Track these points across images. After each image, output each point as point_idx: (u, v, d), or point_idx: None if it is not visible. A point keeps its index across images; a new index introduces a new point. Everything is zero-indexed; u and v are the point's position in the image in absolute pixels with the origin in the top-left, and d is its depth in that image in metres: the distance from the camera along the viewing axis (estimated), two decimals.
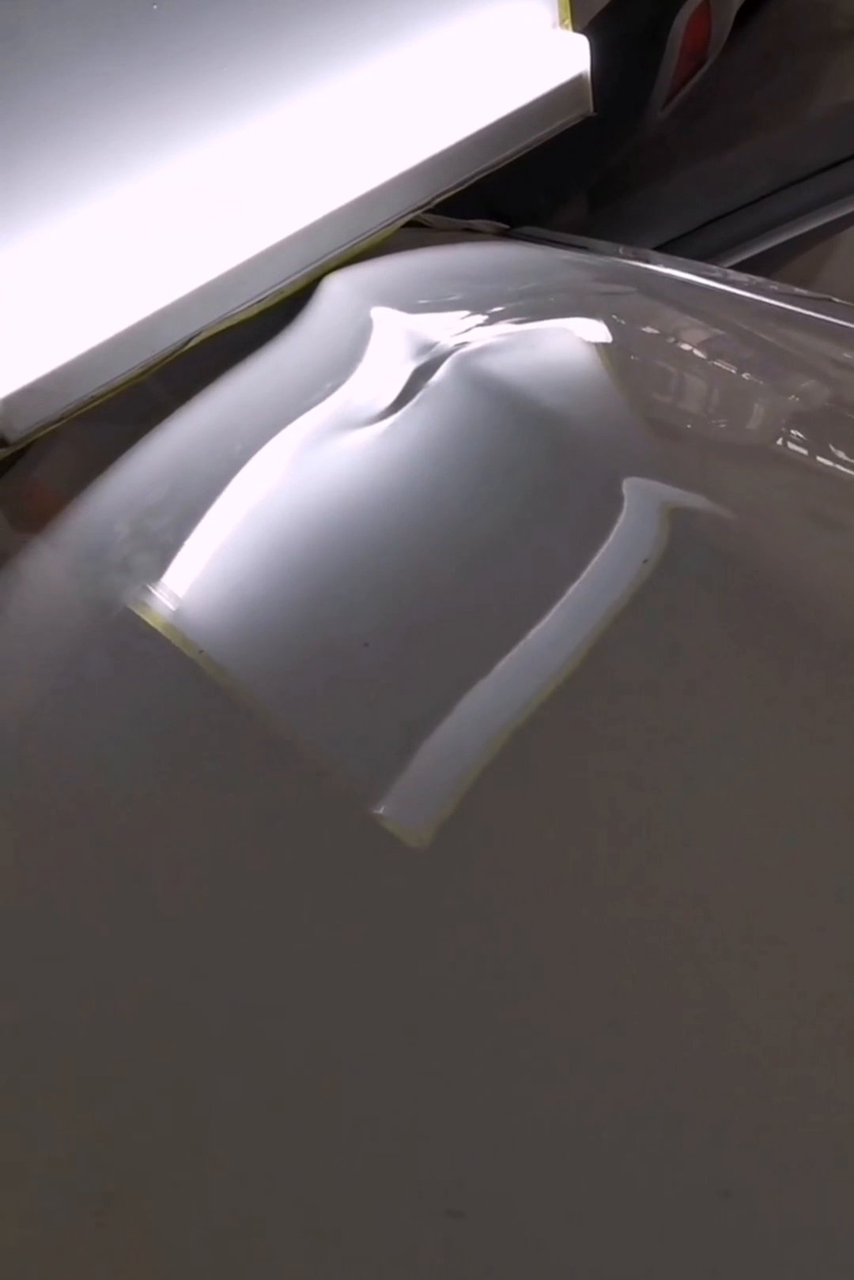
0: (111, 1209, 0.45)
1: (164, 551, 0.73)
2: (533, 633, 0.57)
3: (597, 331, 0.83)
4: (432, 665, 0.59)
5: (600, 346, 0.82)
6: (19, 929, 0.57)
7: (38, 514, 0.83)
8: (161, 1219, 0.44)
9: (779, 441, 0.72)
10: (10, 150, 0.75)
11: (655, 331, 0.87)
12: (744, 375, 0.78)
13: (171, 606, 0.67)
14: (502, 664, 0.56)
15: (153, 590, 0.69)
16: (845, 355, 0.82)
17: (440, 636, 0.60)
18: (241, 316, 0.89)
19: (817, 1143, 0.40)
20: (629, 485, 0.63)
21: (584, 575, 0.59)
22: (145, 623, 0.67)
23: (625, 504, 0.62)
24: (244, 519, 0.72)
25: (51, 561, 0.78)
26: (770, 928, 0.45)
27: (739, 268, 1.41)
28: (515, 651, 0.57)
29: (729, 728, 0.52)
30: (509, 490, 0.67)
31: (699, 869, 0.47)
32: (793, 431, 0.71)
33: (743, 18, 1.50)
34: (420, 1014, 0.46)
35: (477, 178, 0.98)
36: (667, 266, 0.96)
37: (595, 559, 0.59)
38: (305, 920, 0.51)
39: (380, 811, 0.52)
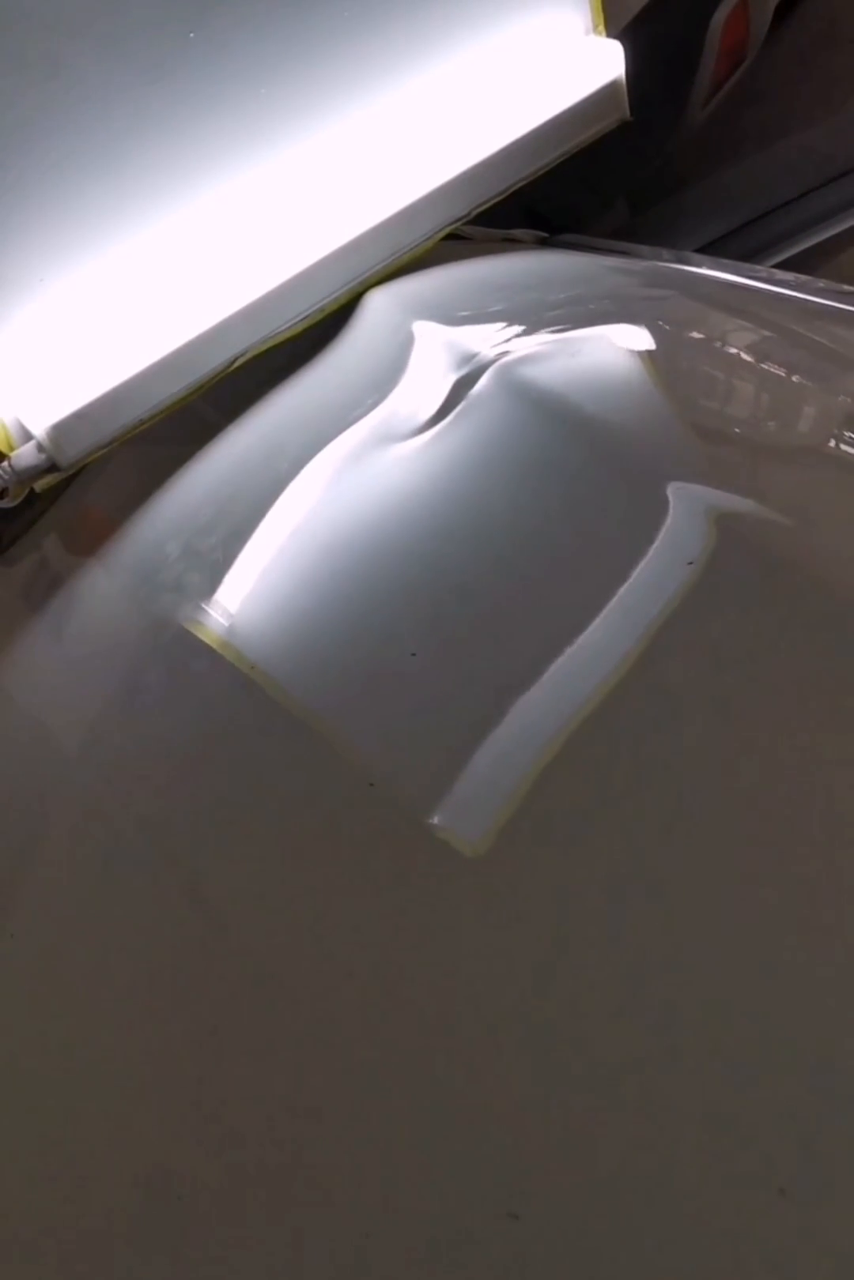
0: (173, 1205, 0.46)
1: (214, 570, 0.74)
2: (578, 638, 0.57)
3: (638, 337, 0.83)
4: (478, 672, 0.59)
5: (642, 352, 0.82)
6: (81, 935, 0.58)
7: (92, 537, 0.85)
8: (225, 1214, 0.45)
9: (830, 442, 0.71)
10: (57, 181, 0.77)
11: (699, 335, 0.87)
12: (791, 376, 0.78)
13: (223, 624, 0.68)
14: (548, 670, 0.56)
15: (204, 608, 0.70)
16: None
17: (486, 643, 0.60)
18: (286, 335, 0.90)
19: None
20: (673, 490, 0.63)
21: (629, 579, 0.59)
22: (198, 640, 0.68)
23: (670, 508, 0.61)
24: (290, 535, 0.73)
25: (106, 583, 0.80)
26: (824, 932, 0.45)
27: (783, 265, 1.40)
28: (561, 657, 0.57)
29: (779, 730, 0.52)
30: (552, 497, 0.67)
31: (750, 874, 0.47)
32: (844, 432, 0.70)
33: (780, 14, 1.49)
34: (478, 1020, 0.46)
35: (514, 188, 0.99)
36: (709, 268, 0.96)
37: (640, 563, 0.59)
38: (361, 928, 0.51)
39: (431, 820, 0.53)
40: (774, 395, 0.77)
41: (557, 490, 0.67)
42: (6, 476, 0.81)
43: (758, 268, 1.12)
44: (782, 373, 0.78)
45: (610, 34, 1.03)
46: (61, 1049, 0.54)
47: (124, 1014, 0.54)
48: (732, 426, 0.75)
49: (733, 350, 0.83)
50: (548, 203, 1.28)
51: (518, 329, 0.84)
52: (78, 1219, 0.48)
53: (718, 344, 0.85)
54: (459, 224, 0.97)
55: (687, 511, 0.61)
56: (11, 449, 0.81)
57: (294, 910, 0.53)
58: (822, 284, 0.91)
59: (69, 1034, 0.55)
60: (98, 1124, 0.50)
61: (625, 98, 1.02)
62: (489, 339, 0.81)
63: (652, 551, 0.59)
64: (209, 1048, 0.50)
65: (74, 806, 0.66)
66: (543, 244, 1.08)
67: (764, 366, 0.80)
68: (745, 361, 0.81)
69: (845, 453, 0.69)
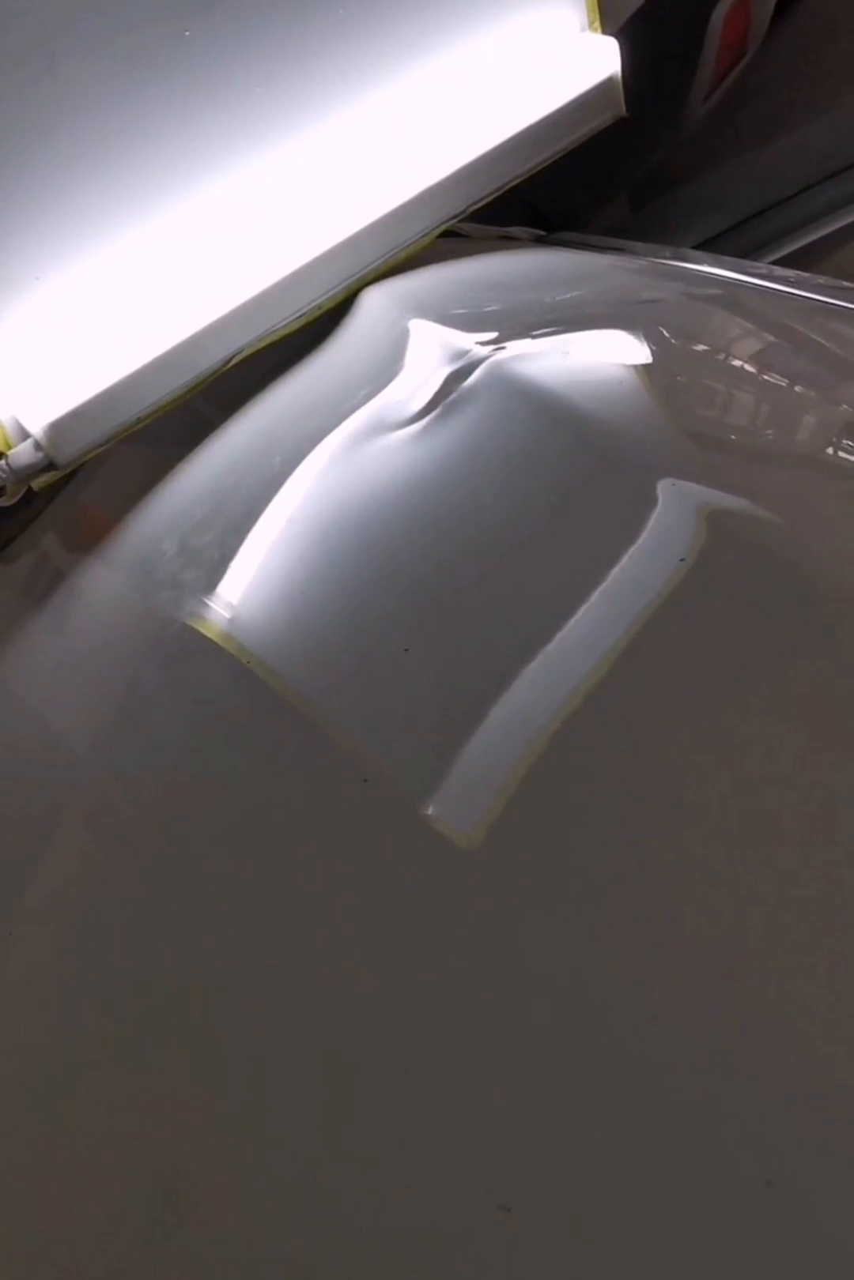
0: (171, 1201, 0.46)
1: (211, 566, 0.74)
2: (570, 631, 0.57)
3: (632, 335, 0.83)
4: (471, 667, 0.59)
5: (637, 350, 0.82)
6: (84, 927, 0.58)
7: (90, 535, 0.85)
8: (219, 1211, 0.46)
9: (824, 443, 0.71)
10: (54, 179, 0.77)
11: (694, 333, 0.86)
12: (788, 376, 0.77)
13: (219, 619, 0.68)
14: (540, 663, 0.57)
15: (201, 604, 0.70)
16: None
17: (478, 639, 0.61)
18: (282, 332, 0.91)
19: None
20: (665, 486, 0.63)
21: (620, 575, 0.59)
22: (195, 636, 0.69)
23: (662, 505, 0.62)
24: (285, 531, 0.73)
25: (104, 580, 0.80)
26: (816, 926, 0.45)
27: (782, 262, 1.40)
28: (553, 650, 0.57)
29: (769, 724, 0.52)
30: (545, 492, 0.67)
31: (742, 866, 0.47)
32: (840, 436, 0.70)
33: (781, 10, 1.48)
34: (470, 1013, 0.47)
35: (510, 185, 0.99)
36: (708, 265, 0.96)
37: (632, 558, 0.59)
38: (356, 920, 0.51)
39: (425, 811, 0.53)
40: (770, 395, 0.77)
41: (550, 486, 0.67)
42: (4, 475, 0.81)
43: (757, 264, 1.12)
44: (779, 372, 0.78)
45: (609, 30, 1.03)
46: (61, 1047, 0.55)
47: (122, 1006, 0.54)
48: (725, 424, 0.75)
49: (731, 348, 0.83)
50: (546, 199, 1.28)
51: (514, 327, 0.84)
52: (77, 1218, 0.48)
53: (715, 342, 0.85)
54: (455, 221, 0.97)
55: (678, 508, 0.62)
56: (9, 447, 0.81)
57: (290, 900, 0.54)
58: (821, 280, 0.91)
59: (68, 1031, 0.55)
60: (97, 1123, 0.51)
61: (621, 95, 1.01)
62: (484, 337, 0.81)
63: (643, 547, 0.60)
64: (207, 1041, 0.51)
65: (74, 802, 0.66)
66: (540, 241, 1.08)
67: (761, 366, 0.80)
68: (743, 360, 0.81)
69: (841, 456, 0.69)
